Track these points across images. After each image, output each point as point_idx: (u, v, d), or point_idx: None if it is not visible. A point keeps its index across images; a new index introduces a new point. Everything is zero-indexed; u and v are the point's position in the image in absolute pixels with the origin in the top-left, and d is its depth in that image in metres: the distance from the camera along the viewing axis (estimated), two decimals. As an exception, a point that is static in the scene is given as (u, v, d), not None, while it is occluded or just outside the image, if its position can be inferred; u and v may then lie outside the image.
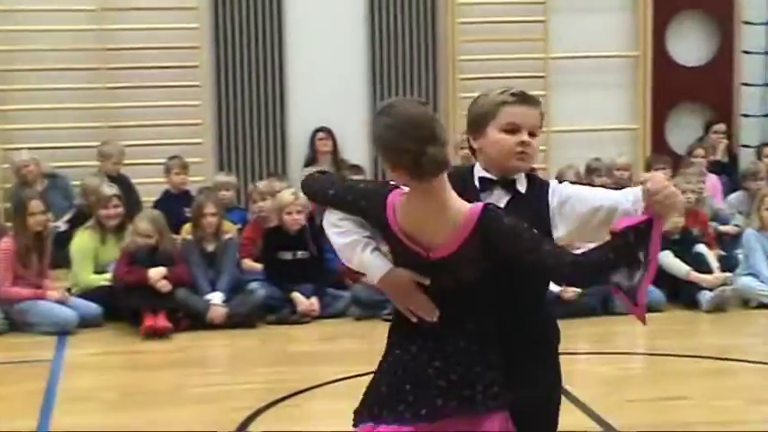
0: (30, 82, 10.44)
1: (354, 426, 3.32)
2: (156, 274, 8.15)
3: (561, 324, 3.45)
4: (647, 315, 3.18)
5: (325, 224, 3.34)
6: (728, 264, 9.00)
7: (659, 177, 3.14)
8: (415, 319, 3.23)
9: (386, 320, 8.44)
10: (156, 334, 7.86)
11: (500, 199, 3.30)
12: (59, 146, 10.33)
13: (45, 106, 10.38)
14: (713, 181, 10.44)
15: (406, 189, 3.16)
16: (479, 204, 3.15)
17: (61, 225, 9.36)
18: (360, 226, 3.27)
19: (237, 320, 8.25)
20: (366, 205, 3.24)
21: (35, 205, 8.23)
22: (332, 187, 3.31)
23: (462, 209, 3.14)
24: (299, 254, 8.59)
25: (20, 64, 10.47)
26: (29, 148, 9.90)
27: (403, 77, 11.02)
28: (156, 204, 9.47)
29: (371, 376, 3.37)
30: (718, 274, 8.73)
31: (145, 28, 10.51)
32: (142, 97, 10.53)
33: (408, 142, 3.04)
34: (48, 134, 10.18)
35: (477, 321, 3.22)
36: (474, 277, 3.18)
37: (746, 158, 11.24)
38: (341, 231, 3.28)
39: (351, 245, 3.26)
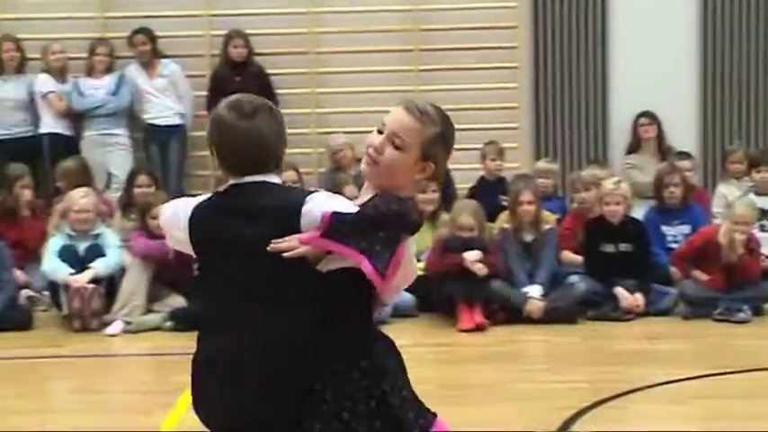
0: (342, 64, 10.55)
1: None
2: (472, 255, 8.02)
3: None
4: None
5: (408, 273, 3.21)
6: None
7: None
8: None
9: (717, 320, 8.10)
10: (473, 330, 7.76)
11: None
12: (369, 130, 10.33)
13: (356, 89, 10.44)
14: None
15: None
16: None
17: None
18: None
19: (556, 315, 8.00)
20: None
21: (349, 190, 8.26)
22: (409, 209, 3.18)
23: None
24: (622, 246, 8.27)
25: (333, 46, 10.60)
26: (345, 133, 9.96)
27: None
28: (472, 191, 9.33)
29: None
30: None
31: (460, 7, 10.38)
32: (455, 80, 10.41)
33: None
34: (359, 118, 10.24)
35: None
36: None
37: None
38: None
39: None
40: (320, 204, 3.14)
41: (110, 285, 8.10)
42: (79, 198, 8.25)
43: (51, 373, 7.25)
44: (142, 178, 8.91)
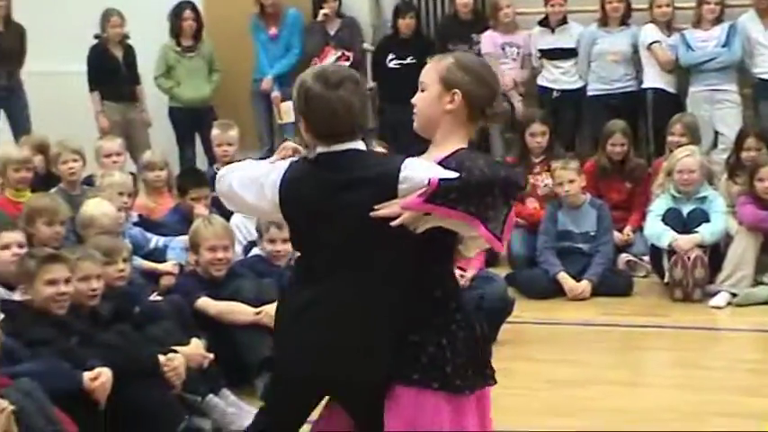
0: None
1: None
2: None
3: None
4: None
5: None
6: None
7: None
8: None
9: None
10: None
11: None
12: None
13: None
14: None
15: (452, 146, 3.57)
16: None
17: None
18: None
19: None
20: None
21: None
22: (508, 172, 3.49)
23: None
24: None
25: None
26: None
27: None
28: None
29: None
30: None
31: None
32: None
33: None
34: None
35: None
36: None
37: None
38: None
39: None
40: (417, 170, 3.39)
41: (714, 253, 7.74)
42: (684, 157, 7.96)
43: (648, 343, 7.07)
44: (750, 141, 8.39)
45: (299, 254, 3.71)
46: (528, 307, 7.53)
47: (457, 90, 3.53)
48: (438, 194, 3.32)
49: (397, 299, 3.47)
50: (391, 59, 10.41)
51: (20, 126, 10.32)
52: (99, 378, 4.92)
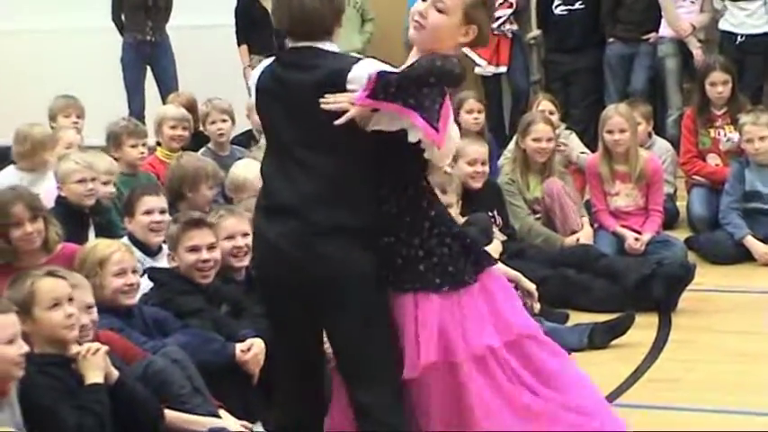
0: None
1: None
2: None
3: None
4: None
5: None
6: None
7: None
8: None
9: None
10: None
11: None
12: None
13: None
14: None
15: None
16: None
17: None
18: None
19: None
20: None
21: None
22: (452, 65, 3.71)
23: None
24: None
25: None
26: None
27: None
28: None
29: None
30: None
31: None
32: None
33: None
34: None
35: None
36: None
37: None
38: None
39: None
40: (366, 68, 3.69)
41: None
42: None
43: None
44: None
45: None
46: (711, 273, 7.32)
47: (475, 27, 3.83)
48: (378, 89, 3.61)
49: (353, 193, 3.76)
50: (558, 5, 10.21)
51: (167, 83, 10.49)
52: (251, 349, 4.93)
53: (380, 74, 3.64)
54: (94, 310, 4.59)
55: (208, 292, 5.23)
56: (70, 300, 4.32)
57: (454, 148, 3.92)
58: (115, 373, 4.34)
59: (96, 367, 4.27)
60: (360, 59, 3.80)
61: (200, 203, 6.35)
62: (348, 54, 4.03)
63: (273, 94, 3.85)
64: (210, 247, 5.23)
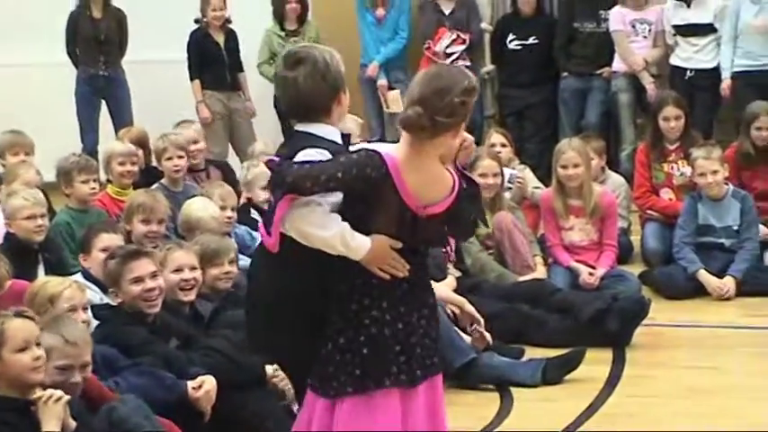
0: None
1: (332, 395, 3.94)
2: None
3: None
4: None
5: (295, 225, 3.83)
6: None
7: None
8: (388, 277, 3.91)
9: None
10: None
11: None
12: None
13: None
14: None
15: (397, 149, 3.93)
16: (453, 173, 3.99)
17: None
18: (327, 212, 3.86)
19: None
20: (369, 174, 3.82)
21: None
22: (318, 172, 3.78)
23: (447, 174, 3.97)
24: None
25: None
26: None
27: None
28: None
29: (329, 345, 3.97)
30: None
31: None
32: None
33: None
34: None
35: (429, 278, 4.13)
36: (439, 237, 4.12)
37: None
38: (320, 226, 3.83)
39: (337, 235, 3.84)
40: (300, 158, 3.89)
41: None
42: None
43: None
44: None
45: None
46: (665, 308, 7.37)
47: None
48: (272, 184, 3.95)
49: (297, 286, 3.96)
50: (512, 40, 10.31)
51: (121, 118, 10.48)
52: (203, 387, 4.93)
53: (269, 163, 3.91)
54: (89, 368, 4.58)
55: (155, 325, 5.22)
56: (38, 344, 4.29)
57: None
58: (72, 425, 4.30)
59: (54, 416, 4.22)
60: (304, 148, 3.91)
61: (136, 237, 6.34)
62: (325, 140, 4.02)
63: None
64: (153, 276, 5.24)
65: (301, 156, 3.87)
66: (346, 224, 3.87)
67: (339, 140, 4.04)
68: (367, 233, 3.90)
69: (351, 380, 3.93)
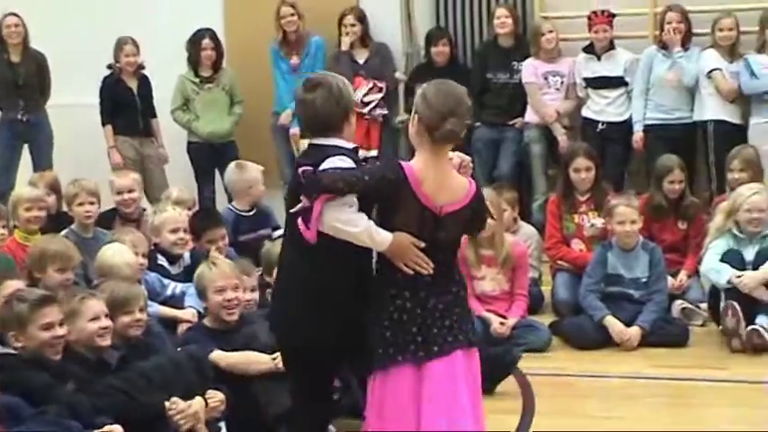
0: None
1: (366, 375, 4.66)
2: None
3: None
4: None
5: (330, 223, 4.47)
6: None
7: None
8: (411, 273, 4.55)
9: None
10: None
11: None
12: None
13: None
14: None
15: (414, 160, 4.62)
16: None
17: None
18: (355, 211, 4.50)
19: None
20: (389, 177, 4.49)
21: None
22: (349, 176, 4.45)
23: (459, 177, 4.69)
24: None
25: None
26: None
27: None
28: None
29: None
30: None
31: None
32: None
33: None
34: None
35: (458, 271, 4.80)
36: (459, 234, 4.76)
37: None
38: (349, 222, 4.47)
39: (364, 231, 4.49)
40: (327, 165, 4.52)
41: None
42: (752, 195, 7.74)
43: (705, 399, 6.94)
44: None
45: None
46: (573, 358, 7.47)
47: (416, 115, 4.60)
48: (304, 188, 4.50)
49: (329, 273, 4.59)
50: (425, 89, 10.38)
51: (39, 162, 10.45)
52: (110, 437, 4.90)
53: (303, 172, 4.49)
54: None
55: (53, 369, 5.17)
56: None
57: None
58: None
59: None
60: (328, 156, 4.54)
61: (51, 285, 6.29)
62: (342, 148, 4.65)
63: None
64: (61, 323, 5.28)
65: (328, 163, 4.49)
66: (371, 222, 4.51)
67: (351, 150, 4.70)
68: (392, 231, 4.51)
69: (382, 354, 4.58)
